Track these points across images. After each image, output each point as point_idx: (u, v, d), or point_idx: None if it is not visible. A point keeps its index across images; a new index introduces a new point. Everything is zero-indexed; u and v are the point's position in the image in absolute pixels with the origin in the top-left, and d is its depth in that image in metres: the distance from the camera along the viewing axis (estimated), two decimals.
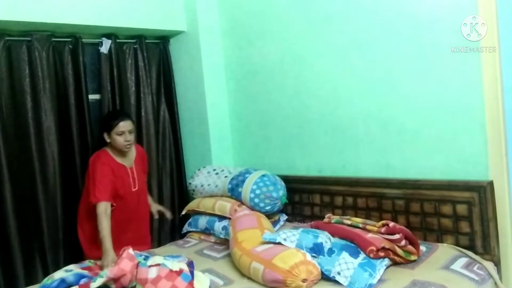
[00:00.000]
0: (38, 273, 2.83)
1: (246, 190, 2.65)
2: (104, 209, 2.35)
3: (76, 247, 2.72)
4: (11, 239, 2.76)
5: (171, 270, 1.87)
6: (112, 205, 2.44)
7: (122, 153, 2.60)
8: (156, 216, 2.96)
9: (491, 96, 1.99)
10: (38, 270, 2.85)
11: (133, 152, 2.71)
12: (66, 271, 2.08)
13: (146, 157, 2.91)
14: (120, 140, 2.52)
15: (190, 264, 2.08)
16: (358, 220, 2.14)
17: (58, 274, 2.04)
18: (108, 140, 2.56)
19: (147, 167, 2.94)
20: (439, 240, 2.17)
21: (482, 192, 2.00)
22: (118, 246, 2.24)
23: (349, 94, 2.53)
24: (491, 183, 2.01)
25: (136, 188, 2.68)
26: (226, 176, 2.84)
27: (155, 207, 2.97)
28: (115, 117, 2.59)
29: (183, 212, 3.03)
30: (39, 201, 2.87)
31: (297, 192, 2.80)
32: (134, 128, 2.66)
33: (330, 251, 1.98)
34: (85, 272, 2.09)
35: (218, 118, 3.29)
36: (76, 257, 2.67)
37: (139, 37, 3.30)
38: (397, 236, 1.94)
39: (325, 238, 2.05)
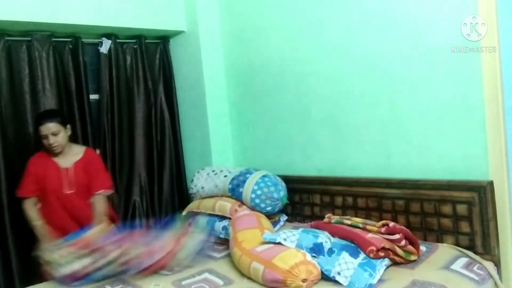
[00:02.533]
0: None
1: (247, 190, 2.65)
2: (26, 203, 2.50)
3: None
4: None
5: None
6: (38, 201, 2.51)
7: (56, 153, 2.56)
8: None
9: (491, 96, 1.99)
10: None
11: (76, 153, 2.62)
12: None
13: (95, 163, 2.68)
14: (45, 142, 2.49)
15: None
16: (358, 220, 2.14)
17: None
18: (38, 140, 2.55)
19: (100, 175, 2.65)
20: (439, 240, 2.17)
21: (482, 192, 2.00)
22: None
23: (349, 94, 2.53)
24: (491, 183, 2.01)
25: (72, 191, 2.56)
26: (225, 176, 2.84)
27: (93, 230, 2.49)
28: (37, 119, 2.54)
29: (184, 213, 3.03)
30: None
31: (297, 192, 2.80)
32: (64, 127, 2.54)
33: (330, 251, 1.98)
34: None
35: (218, 118, 3.29)
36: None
37: (139, 37, 3.30)
38: (397, 236, 1.94)
39: (325, 238, 2.05)
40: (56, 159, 2.58)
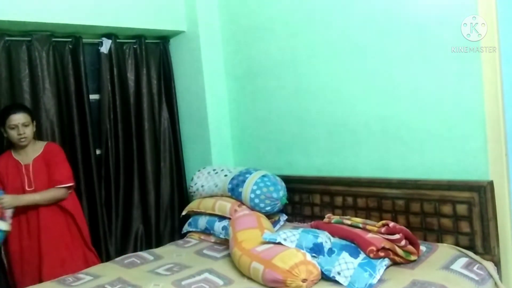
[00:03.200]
0: None
1: (247, 190, 2.65)
2: None
3: None
4: None
5: None
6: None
7: (20, 147, 2.52)
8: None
9: (491, 96, 1.99)
10: None
11: (36, 149, 2.57)
12: None
13: (54, 156, 2.60)
14: (13, 133, 2.45)
15: None
16: (358, 220, 2.13)
17: None
18: (5, 135, 2.50)
19: (58, 168, 2.57)
20: (439, 240, 2.17)
21: (482, 192, 2.00)
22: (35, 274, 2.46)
23: (349, 94, 2.54)
24: (491, 183, 2.01)
25: (32, 188, 2.50)
26: (226, 175, 2.84)
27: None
28: (6, 110, 2.50)
29: (184, 213, 3.03)
30: None
31: (297, 192, 2.80)
32: (32, 121, 2.53)
33: (330, 251, 1.98)
34: None
35: (218, 118, 3.29)
36: None
37: (139, 37, 3.30)
38: (397, 236, 1.94)
39: (325, 238, 2.05)
40: (17, 157, 2.54)
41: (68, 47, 3.02)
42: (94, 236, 3.03)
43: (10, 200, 2.35)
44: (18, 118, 2.44)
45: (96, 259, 2.73)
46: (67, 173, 2.61)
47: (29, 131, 2.49)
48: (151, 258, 2.54)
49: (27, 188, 2.50)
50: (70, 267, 2.48)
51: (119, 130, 3.20)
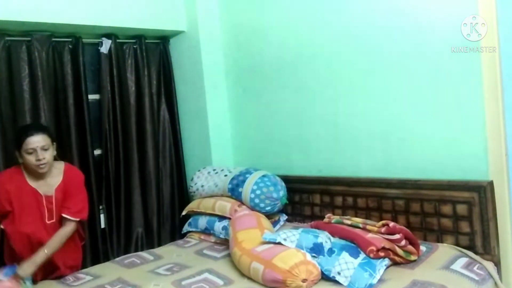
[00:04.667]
0: None
1: (247, 190, 2.65)
2: None
3: None
4: None
5: None
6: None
7: (38, 175, 2.20)
8: None
9: (491, 96, 1.99)
10: None
11: (55, 175, 2.29)
12: None
13: (75, 186, 2.36)
14: (30, 159, 2.12)
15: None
16: (358, 220, 2.14)
17: None
18: (20, 161, 2.17)
19: (73, 199, 2.33)
20: (439, 240, 2.17)
21: (482, 192, 2.00)
22: None
23: (349, 94, 2.53)
24: (491, 183, 2.01)
25: (53, 221, 2.25)
26: (226, 175, 2.84)
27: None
28: (23, 131, 2.18)
29: (184, 213, 3.03)
30: None
31: (297, 192, 2.80)
32: (52, 143, 2.25)
33: (330, 251, 1.98)
34: None
35: (218, 118, 3.29)
36: None
37: (139, 37, 3.30)
38: (397, 236, 1.94)
39: (325, 238, 2.05)
40: (34, 184, 2.22)
41: (68, 47, 3.01)
42: (94, 236, 3.04)
43: (28, 269, 2.07)
44: (37, 141, 2.12)
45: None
46: (82, 205, 2.34)
47: (49, 155, 2.16)
48: (151, 258, 2.54)
49: (47, 221, 2.23)
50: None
51: (119, 130, 3.19)
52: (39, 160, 2.13)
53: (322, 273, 1.90)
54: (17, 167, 2.28)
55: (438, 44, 2.13)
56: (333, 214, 2.44)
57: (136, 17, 3.10)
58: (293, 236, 2.04)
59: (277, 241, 2.02)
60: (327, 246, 2.02)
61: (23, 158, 2.16)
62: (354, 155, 2.55)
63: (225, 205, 2.73)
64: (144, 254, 2.63)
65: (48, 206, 2.24)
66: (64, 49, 3.00)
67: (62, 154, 2.97)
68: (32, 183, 2.23)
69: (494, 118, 2.00)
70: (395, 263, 1.98)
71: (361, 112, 2.49)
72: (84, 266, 2.68)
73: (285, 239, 2.02)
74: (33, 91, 2.86)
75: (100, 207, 3.08)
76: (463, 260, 1.96)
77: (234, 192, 2.72)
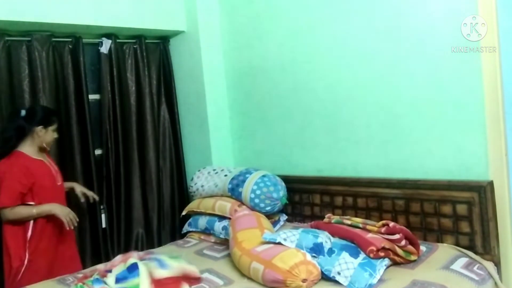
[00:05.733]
0: None
1: (247, 190, 2.65)
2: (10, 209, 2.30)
3: None
4: None
5: None
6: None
7: (42, 149, 2.50)
8: (82, 199, 2.74)
9: (491, 96, 1.99)
10: None
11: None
12: None
13: None
14: (53, 136, 2.51)
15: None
16: (358, 220, 2.14)
17: None
18: (40, 135, 2.42)
19: None
20: (439, 240, 2.17)
21: (482, 192, 2.00)
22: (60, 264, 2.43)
23: (349, 94, 2.53)
24: (491, 183, 2.01)
25: (60, 183, 2.55)
26: (226, 175, 2.84)
27: (79, 189, 2.74)
28: (54, 113, 2.60)
29: (184, 213, 3.03)
30: None
31: (297, 192, 2.80)
32: None
33: (330, 251, 1.98)
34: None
35: (218, 118, 3.29)
36: None
37: (139, 37, 3.30)
38: (397, 236, 1.94)
39: (325, 238, 2.05)
40: (39, 157, 2.47)
41: (68, 47, 3.02)
42: (95, 236, 3.04)
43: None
44: (57, 123, 2.55)
45: None
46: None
47: None
48: None
49: (57, 183, 2.54)
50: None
51: (119, 130, 3.20)
52: (56, 138, 2.55)
53: (322, 273, 1.90)
54: (15, 154, 2.40)
55: (438, 44, 2.13)
56: (333, 214, 2.44)
57: (136, 17, 3.10)
58: (293, 236, 2.04)
59: (277, 241, 2.02)
60: (327, 246, 2.02)
61: (46, 134, 2.46)
62: (354, 155, 2.55)
63: (225, 205, 2.73)
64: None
65: (54, 169, 2.57)
66: (64, 49, 3.01)
67: (63, 154, 2.99)
68: (37, 156, 2.48)
69: (494, 118, 2.00)
70: (395, 263, 1.98)
71: (361, 112, 2.49)
72: (84, 266, 2.69)
73: (285, 239, 2.02)
74: (33, 91, 2.86)
75: (101, 207, 3.08)
76: (463, 260, 1.96)
77: (234, 192, 2.73)
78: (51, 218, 2.40)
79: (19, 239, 2.34)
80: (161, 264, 2.02)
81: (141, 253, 2.34)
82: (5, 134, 2.42)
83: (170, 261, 2.05)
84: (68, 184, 2.70)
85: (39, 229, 2.38)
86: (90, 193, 2.77)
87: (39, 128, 2.42)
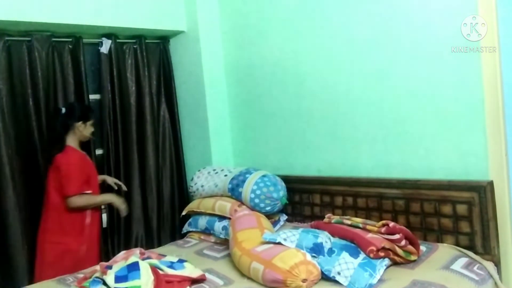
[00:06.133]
0: None
1: (247, 190, 2.65)
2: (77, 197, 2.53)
3: None
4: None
5: None
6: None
7: (81, 144, 2.71)
8: (116, 188, 2.95)
9: (491, 96, 1.99)
10: None
11: None
12: None
13: None
14: (91, 130, 2.70)
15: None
16: (358, 220, 2.14)
17: None
18: (78, 130, 2.62)
19: None
20: (439, 240, 2.17)
21: (482, 192, 2.00)
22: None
23: (349, 94, 2.53)
24: (491, 183, 2.01)
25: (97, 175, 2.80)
26: (226, 175, 2.84)
27: (111, 179, 2.97)
28: (90, 109, 2.81)
29: (184, 213, 3.03)
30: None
31: (297, 192, 2.80)
32: None
33: (330, 251, 1.98)
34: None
35: (218, 118, 3.29)
36: None
37: (139, 37, 3.30)
38: (397, 236, 1.94)
39: (325, 238, 2.05)
40: (82, 151, 2.71)
41: (68, 47, 3.02)
42: None
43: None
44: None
45: None
46: None
47: None
48: None
49: (96, 176, 2.78)
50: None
51: (119, 130, 3.20)
52: (93, 132, 2.76)
53: (322, 273, 1.90)
54: (69, 148, 2.61)
55: (438, 44, 2.13)
56: (333, 214, 2.44)
57: (136, 17, 3.10)
58: (293, 236, 2.04)
59: (277, 241, 2.02)
60: (327, 246, 2.02)
61: (85, 129, 2.66)
62: (354, 155, 2.55)
63: (225, 205, 2.72)
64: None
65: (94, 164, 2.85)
66: (64, 49, 3.01)
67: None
68: (80, 150, 2.70)
69: (494, 118, 2.00)
70: (395, 263, 1.98)
71: (361, 112, 2.49)
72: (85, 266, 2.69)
73: (285, 239, 2.02)
74: (34, 91, 2.86)
75: (102, 207, 3.08)
76: (463, 260, 1.96)
77: (234, 192, 2.72)
78: (98, 209, 2.71)
79: (77, 225, 2.57)
80: (173, 265, 2.05)
81: (144, 250, 2.34)
82: (54, 132, 2.65)
83: (184, 263, 2.09)
84: (101, 177, 2.89)
85: (94, 217, 2.65)
86: (120, 183, 3.00)
87: (79, 123, 2.62)
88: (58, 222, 2.54)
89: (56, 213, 2.53)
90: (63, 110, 2.64)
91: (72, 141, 2.62)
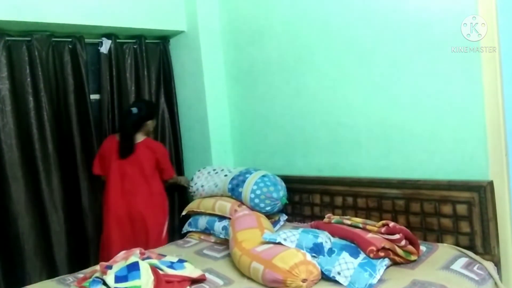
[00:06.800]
0: None
1: (247, 190, 2.65)
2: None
3: None
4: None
5: None
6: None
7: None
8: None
9: (491, 96, 1.99)
10: None
11: None
12: None
13: None
14: (155, 124, 3.13)
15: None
16: (358, 220, 2.13)
17: None
18: (152, 124, 3.01)
19: None
20: (439, 240, 2.17)
21: (482, 192, 2.00)
22: None
23: (349, 94, 2.53)
24: (491, 183, 2.01)
25: None
26: (226, 175, 2.84)
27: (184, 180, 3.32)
28: (158, 106, 3.33)
29: (184, 213, 3.03)
30: (44, 201, 2.87)
31: (297, 192, 2.80)
32: None
33: (330, 251, 1.98)
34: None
35: (218, 118, 3.29)
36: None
37: (139, 37, 3.30)
38: (397, 236, 1.94)
39: (325, 238, 2.05)
40: None
41: (68, 47, 3.02)
42: (97, 236, 3.04)
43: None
44: None
45: None
46: None
47: None
48: None
49: None
50: None
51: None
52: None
53: (322, 273, 1.90)
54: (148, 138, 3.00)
55: (438, 44, 2.13)
56: (333, 214, 2.44)
57: (136, 17, 3.10)
58: (293, 236, 2.03)
59: (277, 241, 2.02)
60: (327, 246, 2.02)
61: (152, 124, 3.01)
62: (354, 155, 2.55)
63: (225, 205, 2.72)
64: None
65: None
66: (64, 49, 3.01)
67: (64, 154, 2.99)
68: None
69: (494, 118, 2.00)
70: (395, 263, 1.98)
71: (361, 112, 2.49)
72: (85, 265, 2.69)
73: (285, 239, 2.02)
74: (34, 91, 2.86)
75: None
76: (463, 260, 1.96)
77: (234, 192, 2.72)
78: None
79: (164, 202, 3.02)
80: (173, 265, 2.04)
81: (143, 250, 2.34)
82: (125, 130, 2.89)
83: (184, 263, 2.10)
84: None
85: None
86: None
87: (150, 121, 2.97)
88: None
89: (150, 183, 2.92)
90: (134, 110, 2.87)
91: (140, 136, 2.91)
